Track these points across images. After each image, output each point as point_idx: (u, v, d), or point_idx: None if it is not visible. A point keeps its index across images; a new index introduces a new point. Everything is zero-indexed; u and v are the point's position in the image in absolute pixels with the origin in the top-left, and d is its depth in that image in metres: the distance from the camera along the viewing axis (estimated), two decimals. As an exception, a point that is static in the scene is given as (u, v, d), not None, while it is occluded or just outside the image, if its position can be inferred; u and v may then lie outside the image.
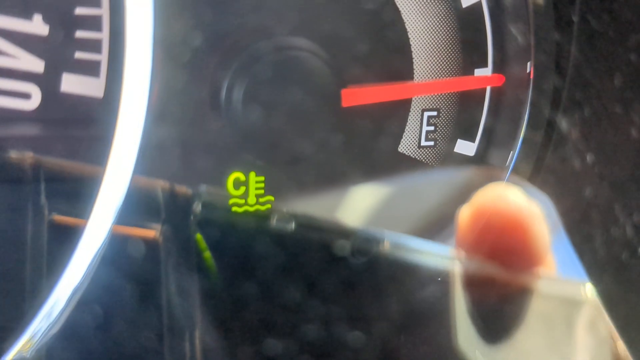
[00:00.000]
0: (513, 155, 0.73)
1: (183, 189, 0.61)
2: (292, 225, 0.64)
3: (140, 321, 0.59)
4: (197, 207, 0.61)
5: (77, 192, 0.57)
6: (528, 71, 0.72)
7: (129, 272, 0.59)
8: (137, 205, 0.57)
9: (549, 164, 0.71)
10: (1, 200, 0.56)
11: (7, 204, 0.56)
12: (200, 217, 0.61)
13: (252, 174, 0.68)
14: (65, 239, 0.56)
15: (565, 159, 0.68)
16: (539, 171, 0.73)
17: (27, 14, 0.57)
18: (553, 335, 0.55)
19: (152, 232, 0.59)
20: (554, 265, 0.54)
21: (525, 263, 0.53)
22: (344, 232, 0.67)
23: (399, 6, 0.69)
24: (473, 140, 0.75)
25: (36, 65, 0.58)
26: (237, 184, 0.68)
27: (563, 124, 0.67)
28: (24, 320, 0.54)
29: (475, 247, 0.53)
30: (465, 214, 0.53)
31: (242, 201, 0.68)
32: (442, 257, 0.67)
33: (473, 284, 0.54)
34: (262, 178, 0.68)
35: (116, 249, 0.57)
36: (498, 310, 0.54)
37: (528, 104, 0.72)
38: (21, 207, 0.57)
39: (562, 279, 0.59)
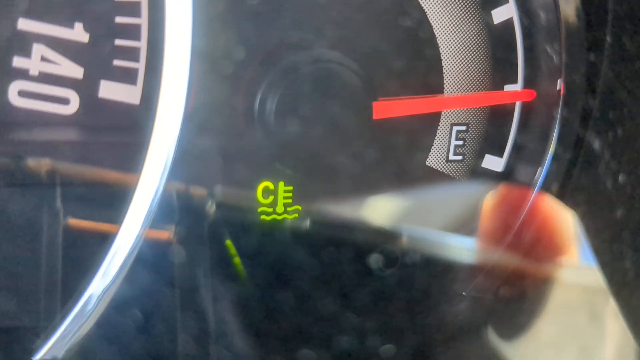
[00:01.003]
0: (541, 172, 0.73)
1: (198, 190, 0.62)
2: (307, 223, 0.65)
3: (157, 324, 0.60)
4: (211, 207, 0.62)
5: (105, 198, 0.59)
6: (558, 88, 0.71)
7: (153, 275, 0.60)
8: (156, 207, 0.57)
9: (579, 182, 0.70)
10: (25, 203, 0.57)
11: (28, 207, 0.58)
12: (215, 218, 0.62)
13: (281, 183, 0.69)
14: (96, 242, 0.57)
15: (596, 178, 0.67)
16: (566, 189, 0.72)
17: (68, 22, 0.59)
18: (574, 324, 0.55)
19: (166, 233, 0.60)
20: (577, 254, 0.54)
21: (549, 251, 0.52)
22: (362, 228, 0.67)
23: (431, 22, 0.70)
24: (501, 156, 0.75)
25: (76, 71, 0.60)
26: (266, 192, 0.68)
27: (596, 143, 0.67)
28: (56, 320, 0.56)
29: (499, 235, 0.53)
30: (489, 201, 0.53)
31: (270, 210, 0.69)
32: (465, 249, 0.66)
33: (495, 273, 0.54)
34: (291, 187, 0.69)
35: (142, 253, 0.58)
36: (519, 300, 0.54)
37: (558, 121, 0.72)
38: (41, 210, 0.58)
39: (587, 268, 0.58)
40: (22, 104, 0.59)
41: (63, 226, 0.58)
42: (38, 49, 0.59)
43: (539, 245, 0.53)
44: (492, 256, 0.54)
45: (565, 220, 0.51)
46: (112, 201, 0.57)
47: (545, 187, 0.72)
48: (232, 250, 0.66)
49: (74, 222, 0.58)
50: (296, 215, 0.69)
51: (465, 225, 0.70)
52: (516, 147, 0.74)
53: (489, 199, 0.53)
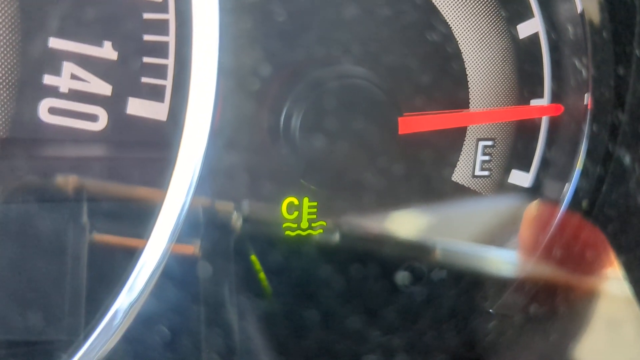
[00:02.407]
0: (569, 188, 0.72)
1: (224, 206, 0.62)
2: (334, 238, 0.65)
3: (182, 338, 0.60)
4: (238, 221, 0.62)
5: (133, 213, 0.59)
6: (585, 103, 0.71)
7: (179, 290, 0.60)
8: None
9: (610, 198, 0.69)
10: (53, 219, 0.58)
11: (56, 223, 0.58)
12: (240, 233, 0.62)
13: (306, 199, 0.69)
14: (122, 257, 0.58)
15: (627, 194, 0.66)
16: (595, 205, 0.71)
17: (98, 41, 0.60)
18: (619, 336, 0.53)
19: (191, 247, 0.60)
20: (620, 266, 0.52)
21: (594, 263, 0.51)
22: (388, 242, 0.66)
23: (456, 36, 0.70)
24: (528, 171, 0.74)
25: (104, 88, 0.61)
26: (291, 208, 0.68)
27: (626, 158, 0.66)
28: (82, 335, 0.56)
29: (538, 245, 0.51)
30: (531, 211, 0.52)
31: (295, 225, 0.69)
32: (501, 261, 0.65)
33: (526, 288, 0.53)
34: (315, 203, 0.69)
35: (168, 267, 0.58)
36: (562, 312, 0.52)
37: (586, 136, 0.71)
38: (68, 225, 0.59)
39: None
40: (52, 120, 0.60)
41: (90, 241, 0.58)
42: (68, 67, 0.60)
43: (584, 257, 0.52)
44: (529, 268, 0.53)
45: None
46: (139, 216, 0.57)
47: (574, 203, 0.71)
48: (257, 265, 0.66)
49: (100, 237, 0.58)
50: (321, 230, 0.69)
51: (494, 239, 0.69)
52: (544, 163, 0.74)
53: (531, 208, 0.53)
